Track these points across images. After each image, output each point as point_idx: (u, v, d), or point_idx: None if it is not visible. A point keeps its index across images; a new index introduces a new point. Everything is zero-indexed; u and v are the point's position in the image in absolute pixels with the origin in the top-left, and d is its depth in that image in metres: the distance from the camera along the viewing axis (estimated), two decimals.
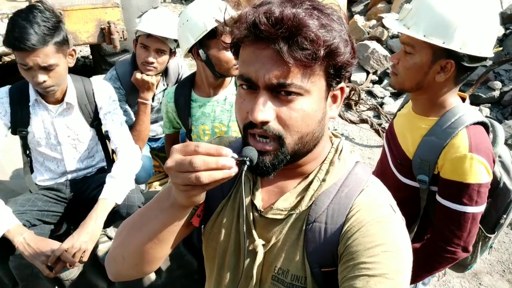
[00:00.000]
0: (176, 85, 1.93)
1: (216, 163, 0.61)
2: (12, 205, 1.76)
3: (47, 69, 1.58)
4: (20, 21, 1.50)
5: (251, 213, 0.86)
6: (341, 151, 0.86)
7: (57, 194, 1.91)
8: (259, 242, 0.84)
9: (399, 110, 1.58)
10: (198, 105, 1.83)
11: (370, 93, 4.79)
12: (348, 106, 4.53)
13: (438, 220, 1.30)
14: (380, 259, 0.71)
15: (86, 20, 3.05)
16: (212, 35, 1.59)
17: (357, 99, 4.48)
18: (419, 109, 1.37)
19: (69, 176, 1.94)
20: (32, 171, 1.94)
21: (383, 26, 5.92)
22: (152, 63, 2.17)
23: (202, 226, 0.95)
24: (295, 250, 0.82)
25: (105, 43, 3.27)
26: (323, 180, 0.83)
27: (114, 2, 3.12)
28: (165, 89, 2.44)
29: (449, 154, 1.22)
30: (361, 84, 4.83)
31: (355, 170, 0.85)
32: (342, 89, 0.80)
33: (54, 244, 1.57)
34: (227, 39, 0.78)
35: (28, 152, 1.88)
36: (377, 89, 4.77)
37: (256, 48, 0.70)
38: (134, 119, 2.33)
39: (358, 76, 4.93)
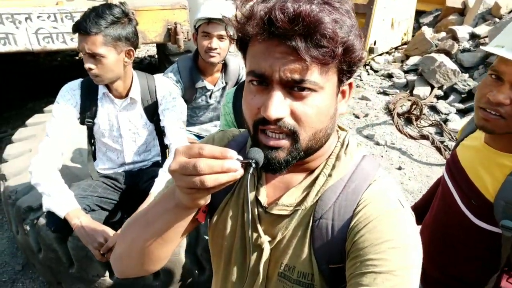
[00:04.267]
0: (237, 86, 1.95)
1: (221, 166, 0.60)
2: (75, 189, 1.88)
3: (94, 57, 1.66)
4: (88, 12, 1.64)
5: (255, 209, 0.85)
6: (347, 145, 0.84)
7: (114, 183, 2.02)
8: (265, 238, 0.83)
9: (461, 140, 1.40)
10: None
11: (433, 109, 4.53)
12: (408, 121, 4.32)
13: None
14: (388, 255, 0.69)
15: (155, 20, 3.20)
16: None
17: (418, 113, 4.26)
18: (499, 144, 1.19)
19: (127, 167, 2.05)
20: (94, 159, 2.06)
21: (454, 39, 5.59)
22: (215, 48, 2.20)
23: (208, 220, 0.95)
24: (301, 246, 0.80)
25: (170, 43, 3.41)
26: (329, 175, 0.81)
27: (182, 4, 3.25)
28: (224, 87, 2.48)
29: None
30: (424, 99, 4.58)
31: (362, 164, 0.82)
32: (350, 84, 0.79)
33: (107, 231, 1.65)
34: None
35: (93, 141, 2.00)
36: (442, 105, 4.49)
37: (269, 44, 0.67)
38: (185, 115, 2.38)
39: (421, 90, 4.69)
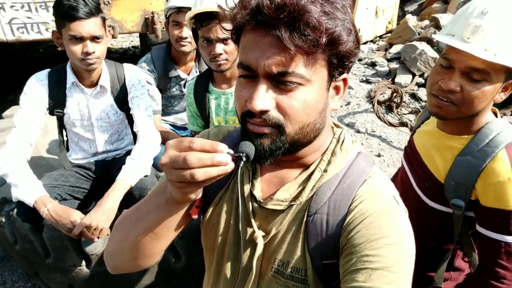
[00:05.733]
0: (197, 76, 1.95)
1: (211, 159, 0.60)
2: (47, 178, 1.89)
3: (96, 40, 1.69)
4: None
5: (250, 204, 0.84)
6: (343, 141, 0.85)
7: (88, 172, 2.02)
8: (259, 233, 0.82)
9: (418, 126, 1.44)
10: (213, 97, 1.84)
11: (413, 96, 4.57)
12: (389, 108, 4.36)
13: (482, 254, 1.19)
14: (383, 252, 0.69)
15: (132, 9, 3.17)
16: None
17: (399, 101, 4.30)
18: (449, 128, 1.24)
19: (100, 157, 2.05)
20: (68, 149, 2.06)
21: (437, 27, 5.62)
22: (186, 37, 2.19)
23: (201, 216, 0.95)
24: (295, 242, 0.80)
25: (149, 33, 3.39)
26: (325, 170, 0.81)
27: None
28: None
29: (489, 179, 1.10)
30: (406, 87, 4.61)
31: (357, 160, 0.83)
32: (345, 80, 0.78)
33: (75, 213, 1.67)
34: (227, 26, 0.77)
35: (64, 132, 2.00)
36: (422, 92, 4.53)
37: (257, 35, 0.68)
38: (160, 104, 2.38)
39: (402, 78, 4.71)
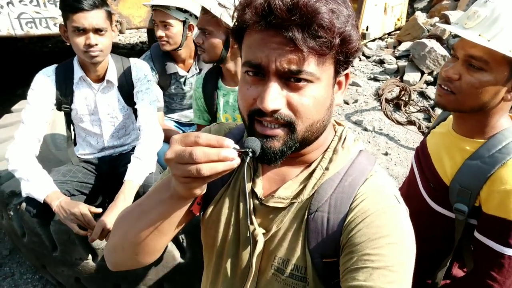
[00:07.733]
0: (207, 71, 1.93)
1: (218, 154, 0.59)
2: (55, 174, 1.90)
3: (99, 32, 1.69)
4: None
5: (251, 201, 0.84)
6: (344, 139, 0.84)
7: (95, 168, 2.03)
8: (259, 230, 0.82)
9: (433, 127, 1.41)
10: (222, 94, 1.83)
11: (422, 94, 4.53)
12: (397, 106, 4.32)
13: (476, 261, 1.16)
14: (385, 251, 0.69)
15: (140, 5, 3.18)
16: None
17: (407, 99, 4.26)
18: (463, 130, 1.20)
19: (107, 152, 2.06)
20: (75, 144, 2.08)
21: (446, 24, 5.55)
22: (161, 37, 2.18)
23: (201, 213, 0.94)
24: (296, 239, 0.80)
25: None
26: (326, 168, 0.81)
27: None
28: (198, 73, 2.46)
29: (495, 186, 1.07)
30: (414, 85, 4.57)
31: (358, 159, 0.83)
32: (347, 75, 0.78)
33: (83, 206, 1.67)
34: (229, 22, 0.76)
35: (72, 127, 2.01)
36: (431, 91, 4.49)
37: (266, 35, 0.67)
38: (162, 102, 2.38)
39: (411, 76, 4.67)
